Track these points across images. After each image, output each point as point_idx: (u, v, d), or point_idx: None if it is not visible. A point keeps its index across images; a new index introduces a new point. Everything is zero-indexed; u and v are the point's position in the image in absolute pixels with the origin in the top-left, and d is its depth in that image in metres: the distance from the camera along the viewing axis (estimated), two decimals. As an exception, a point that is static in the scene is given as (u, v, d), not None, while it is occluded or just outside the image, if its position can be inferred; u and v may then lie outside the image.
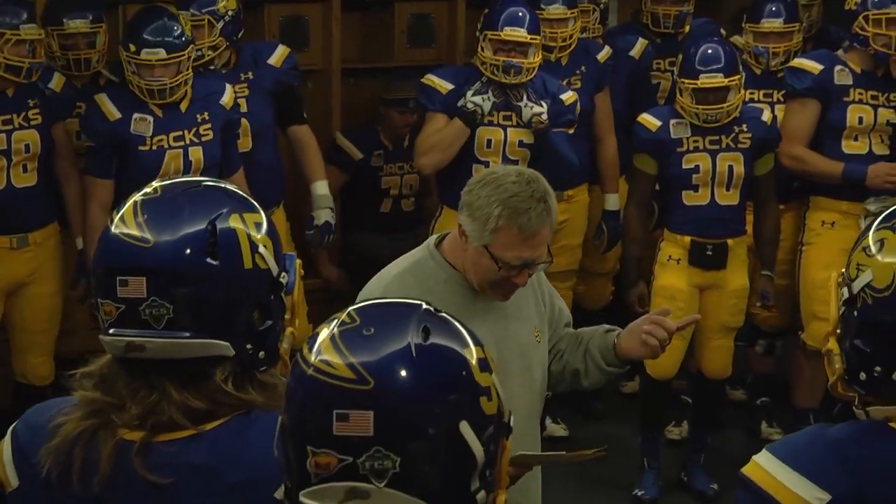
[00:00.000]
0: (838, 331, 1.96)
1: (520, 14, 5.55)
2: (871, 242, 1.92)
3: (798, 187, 5.88)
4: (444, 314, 1.71)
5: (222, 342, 1.92)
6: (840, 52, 5.79)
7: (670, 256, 5.55)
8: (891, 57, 5.59)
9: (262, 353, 1.96)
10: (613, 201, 6.16)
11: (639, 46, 6.41)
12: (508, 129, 5.57)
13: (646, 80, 6.50)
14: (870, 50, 5.63)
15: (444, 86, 5.58)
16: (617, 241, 6.12)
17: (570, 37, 6.03)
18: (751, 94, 5.92)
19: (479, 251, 3.13)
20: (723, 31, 6.65)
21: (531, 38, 5.51)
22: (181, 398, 1.90)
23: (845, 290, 1.94)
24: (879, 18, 5.59)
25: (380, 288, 3.21)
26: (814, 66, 5.71)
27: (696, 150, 5.50)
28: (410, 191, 6.50)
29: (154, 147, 5.23)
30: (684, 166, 5.50)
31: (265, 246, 1.97)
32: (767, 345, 6.28)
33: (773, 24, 6.00)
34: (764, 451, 1.92)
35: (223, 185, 2.05)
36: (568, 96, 5.68)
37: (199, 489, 1.88)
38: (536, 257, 3.13)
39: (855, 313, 1.92)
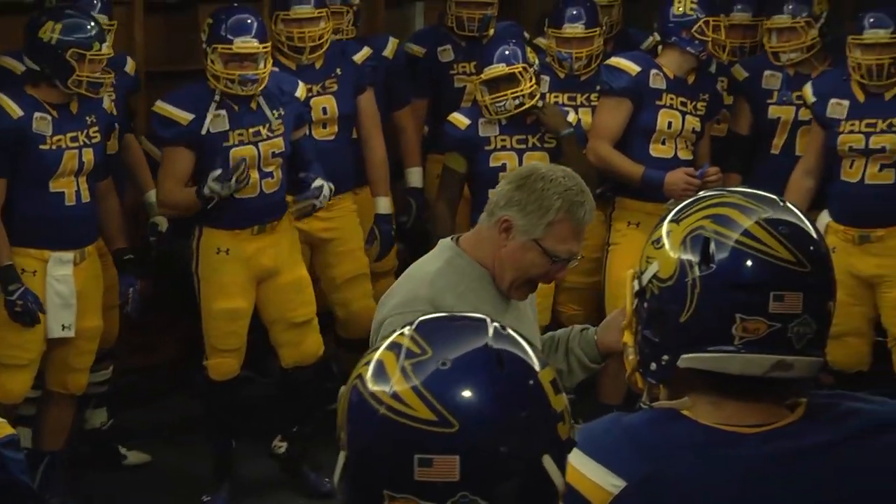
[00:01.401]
0: (632, 324, 2.01)
1: (248, 21, 5.45)
2: (657, 236, 1.97)
3: (601, 193, 6.03)
4: (509, 331, 1.63)
5: None
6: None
7: None
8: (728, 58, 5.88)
9: None
10: (384, 205, 6.09)
11: (391, 46, 6.35)
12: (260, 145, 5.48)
13: (449, 83, 6.53)
14: (703, 54, 5.78)
15: (183, 116, 5.40)
16: (392, 246, 6.12)
17: (321, 37, 5.88)
18: (555, 97, 6.03)
19: (525, 245, 3.18)
20: (526, 34, 6.75)
21: (262, 48, 5.42)
22: None
23: (636, 283, 1.99)
24: (719, 24, 5.81)
25: (425, 285, 3.18)
26: (631, 67, 5.83)
27: (504, 148, 5.60)
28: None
29: (53, 147, 5.16)
30: (492, 164, 5.59)
31: None
32: None
33: (574, 29, 6.11)
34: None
35: None
36: (300, 91, 5.59)
37: None
38: (580, 250, 3.22)
39: (644, 305, 1.96)
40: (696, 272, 1.90)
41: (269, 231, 5.53)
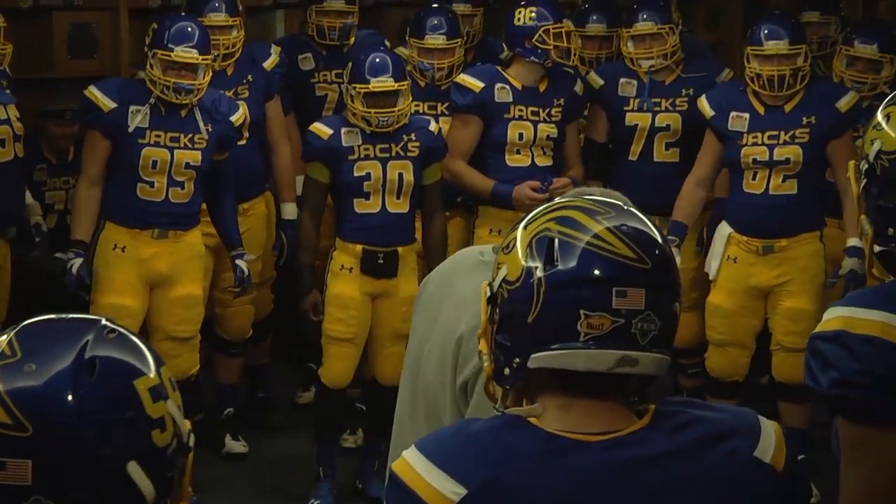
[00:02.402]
0: (487, 332, 2.03)
1: (188, 30, 5.47)
2: (507, 241, 2.01)
3: (462, 201, 6.08)
4: (121, 332, 1.63)
5: None
6: (502, 67, 6.00)
7: (343, 265, 5.60)
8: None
9: None
10: (290, 210, 6.15)
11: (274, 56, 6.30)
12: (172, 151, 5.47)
13: (310, 92, 6.52)
14: (548, 62, 5.85)
15: (106, 103, 5.44)
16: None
17: (234, 45, 5.98)
18: (416, 105, 6.04)
19: None
20: (387, 43, 6.76)
21: (202, 59, 5.44)
22: None
23: (488, 289, 2.02)
24: (560, 32, 5.85)
25: None
26: (475, 84, 5.87)
27: (367, 157, 5.58)
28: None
29: None
30: (355, 174, 5.57)
31: None
32: None
33: (436, 40, 6.13)
34: (412, 446, 1.96)
35: None
36: (237, 117, 5.64)
37: None
38: None
39: (496, 310, 1.99)
40: (541, 272, 1.93)
41: (172, 238, 5.54)
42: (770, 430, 2.00)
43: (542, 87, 5.95)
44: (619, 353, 1.92)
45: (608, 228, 1.94)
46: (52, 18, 6.63)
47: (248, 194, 5.98)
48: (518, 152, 5.90)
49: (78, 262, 5.43)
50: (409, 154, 5.62)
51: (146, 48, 5.49)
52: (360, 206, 5.58)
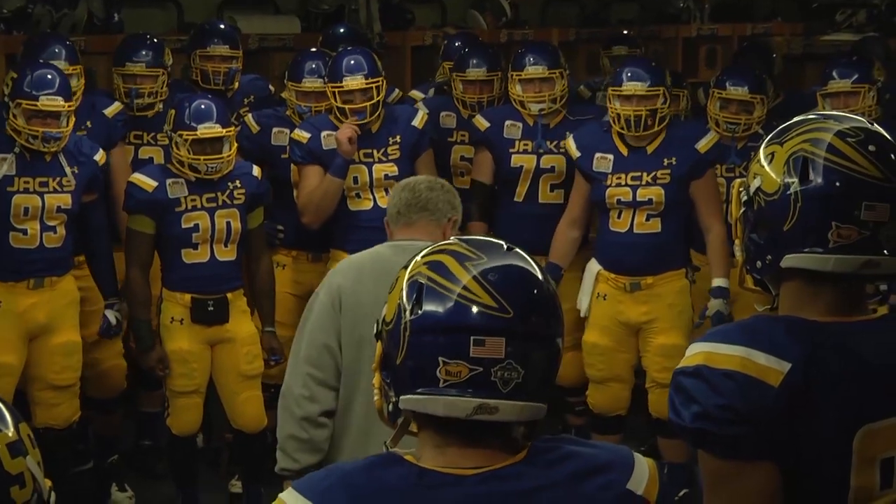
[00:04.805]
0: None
1: (49, 77, 5.41)
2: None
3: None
4: None
5: None
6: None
7: (173, 317, 5.54)
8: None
9: None
10: None
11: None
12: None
13: None
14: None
15: None
16: None
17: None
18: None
19: None
20: (272, 87, 6.78)
21: (68, 106, 5.40)
22: None
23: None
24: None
25: None
26: (302, 136, 5.88)
27: (195, 209, 5.50)
28: None
29: None
30: (183, 226, 5.49)
31: None
32: None
33: (314, 83, 6.14)
34: (290, 486, 1.98)
35: None
36: (100, 156, 5.60)
37: None
38: None
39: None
40: (408, 315, 1.98)
41: (48, 286, 5.46)
42: (643, 465, 2.05)
43: (374, 128, 5.94)
44: (477, 400, 1.93)
45: (474, 277, 1.97)
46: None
47: None
48: (358, 196, 5.90)
49: None
50: (235, 202, 5.57)
51: (6, 97, 5.42)
52: (189, 257, 5.52)
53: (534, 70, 6.15)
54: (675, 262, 5.79)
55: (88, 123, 5.96)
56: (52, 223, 5.44)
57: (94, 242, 5.64)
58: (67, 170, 5.45)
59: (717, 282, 5.64)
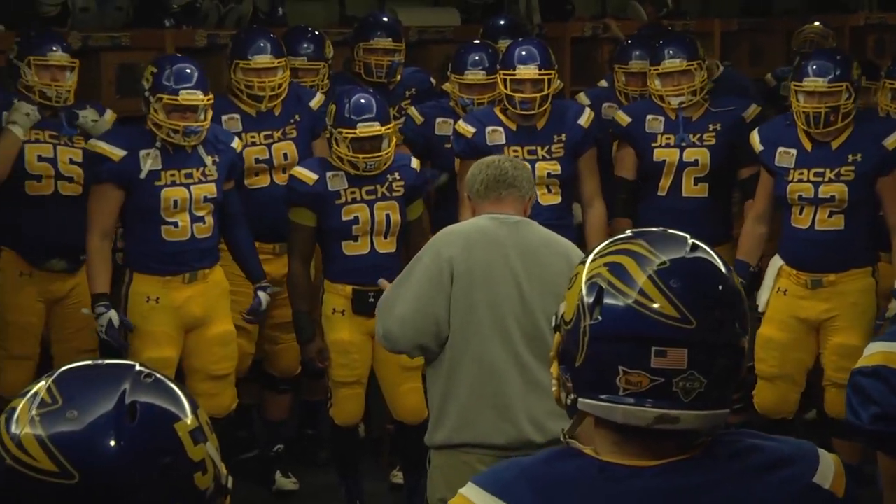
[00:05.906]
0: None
1: (188, 71, 5.45)
2: (573, 273, 2.03)
3: None
4: (157, 377, 1.65)
5: None
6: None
7: (334, 308, 5.58)
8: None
9: None
10: None
11: (318, 96, 6.27)
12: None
13: None
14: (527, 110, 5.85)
15: (115, 153, 5.41)
16: None
17: (280, 86, 6.01)
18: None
19: None
20: (433, 80, 6.81)
21: (207, 100, 5.45)
22: None
23: (553, 318, 2.04)
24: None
25: None
26: (467, 130, 5.89)
27: (354, 201, 5.52)
28: None
29: None
30: (343, 218, 5.52)
31: None
32: None
33: (476, 76, 6.16)
34: (469, 482, 1.98)
35: None
36: (237, 143, 5.68)
37: None
38: None
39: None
40: (588, 320, 1.93)
41: (201, 279, 5.54)
42: (829, 460, 1.99)
43: (539, 125, 5.95)
44: (657, 411, 1.90)
45: (654, 282, 1.92)
46: (100, 59, 6.71)
47: (285, 233, 5.91)
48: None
49: (112, 314, 5.39)
50: (394, 194, 5.58)
51: (146, 92, 5.47)
52: (349, 249, 5.55)
53: (671, 63, 6.09)
54: (860, 259, 5.66)
55: (297, 116, 6.06)
56: (200, 213, 5.50)
57: (235, 229, 5.67)
58: (208, 159, 5.51)
59: None
